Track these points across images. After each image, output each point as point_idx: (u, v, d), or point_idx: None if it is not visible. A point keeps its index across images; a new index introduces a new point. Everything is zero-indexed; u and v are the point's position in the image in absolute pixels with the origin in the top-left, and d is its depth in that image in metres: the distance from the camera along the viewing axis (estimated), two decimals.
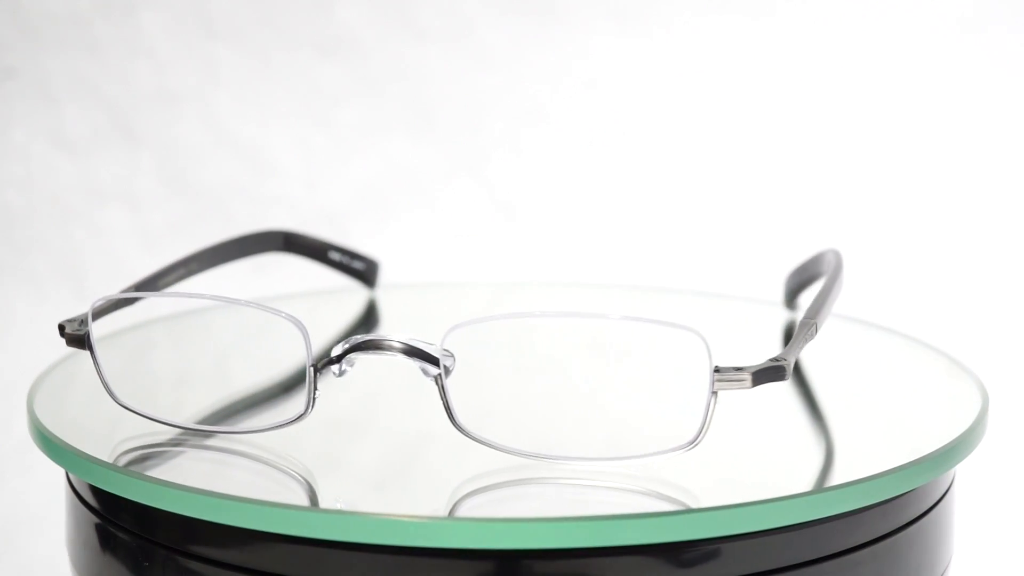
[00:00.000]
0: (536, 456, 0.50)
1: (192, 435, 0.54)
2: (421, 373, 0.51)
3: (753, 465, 0.52)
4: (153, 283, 0.64)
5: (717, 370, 0.49)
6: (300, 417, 0.52)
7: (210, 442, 0.54)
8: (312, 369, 0.51)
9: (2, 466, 1.10)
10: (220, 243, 0.72)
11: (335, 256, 0.77)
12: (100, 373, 0.55)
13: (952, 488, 0.54)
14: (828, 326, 0.67)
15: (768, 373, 0.50)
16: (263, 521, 0.46)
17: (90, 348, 0.56)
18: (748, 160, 1.11)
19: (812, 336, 0.54)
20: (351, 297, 0.78)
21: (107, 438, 0.55)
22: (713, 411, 0.49)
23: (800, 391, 0.61)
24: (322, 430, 0.56)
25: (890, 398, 0.59)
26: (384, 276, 0.78)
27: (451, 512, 0.47)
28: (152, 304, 0.63)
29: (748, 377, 0.49)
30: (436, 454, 0.54)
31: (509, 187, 1.13)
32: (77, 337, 0.56)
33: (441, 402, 0.50)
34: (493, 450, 0.50)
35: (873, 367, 0.64)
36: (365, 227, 1.11)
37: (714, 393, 0.49)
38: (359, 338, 0.51)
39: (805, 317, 0.55)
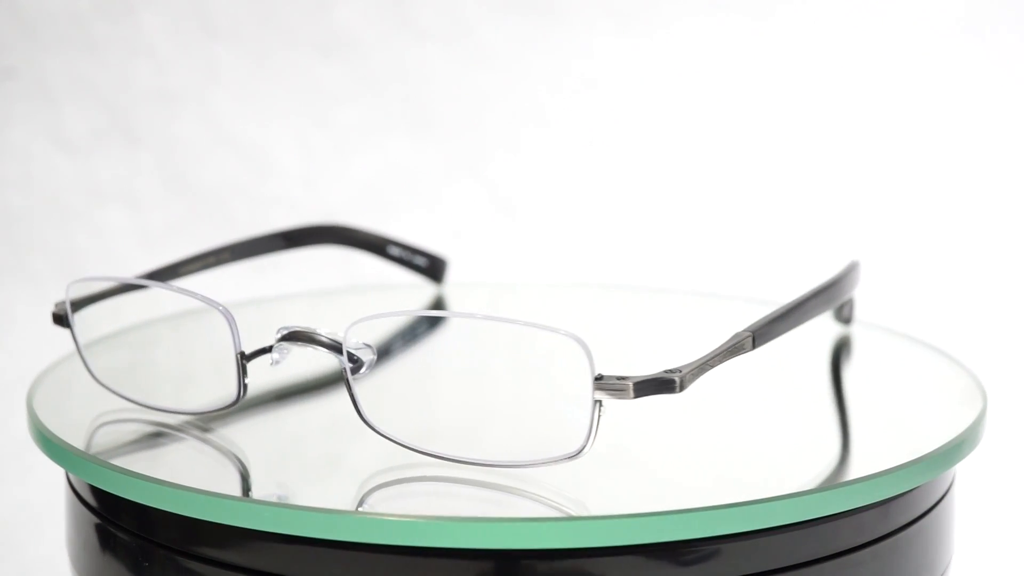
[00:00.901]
0: (434, 456, 0.50)
1: (187, 432, 0.54)
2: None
3: (753, 465, 0.52)
4: (175, 270, 0.65)
5: (600, 378, 0.48)
6: (231, 405, 0.53)
7: (209, 442, 0.54)
8: (239, 357, 0.52)
9: (2, 466, 1.10)
10: (265, 234, 0.72)
11: (394, 251, 0.76)
12: (79, 350, 0.57)
13: (952, 488, 0.54)
14: (828, 326, 0.67)
15: (653, 385, 0.48)
16: (263, 521, 0.46)
17: (69, 326, 0.57)
18: (748, 160, 1.11)
19: (744, 350, 0.51)
20: (395, 293, 0.78)
21: (107, 438, 0.55)
22: (598, 420, 0.48)
23: (800, 391, 0.61)
24: (323, 430, 0.56)
25: (890, 398, 0.59)
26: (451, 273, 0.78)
27: (359, 506, 0.47)
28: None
29: (630, 387, 0.48)
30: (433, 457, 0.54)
31: (509, 187, 1.13)
32: (58, 316, 0.58)
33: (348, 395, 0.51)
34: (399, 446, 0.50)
35: (873, 367, 0.64)
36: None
37: (597, 402, 0.48)
38: (286, 328, 0.52)
39: (745, 329, 0.52)
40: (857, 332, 0.68)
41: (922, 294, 1.07)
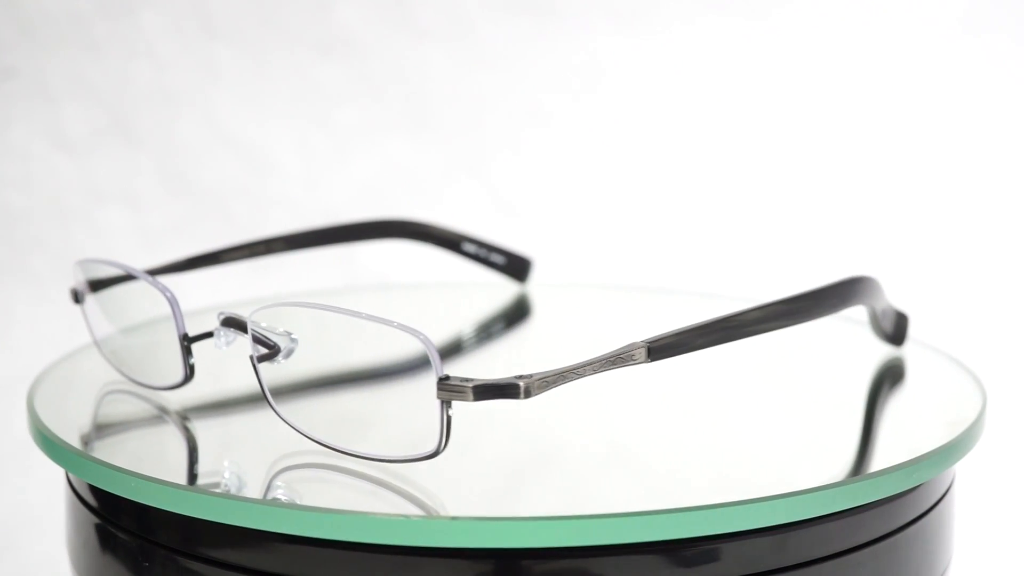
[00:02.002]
0: (322, 444, 0.51)
1: (187, 432, 0.55)
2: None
3: (753, 464, 0.52)
4: (216, 257, 0.68)
5: (445, 378, 0.47)
6: (179, 384, 0.56)
7: (209, 442, 0.54)
8: (182, 339, 0.55)
9: (2, 466, 1.10)
10: (332, 225, 0.73)
11: (470, 248, 0.76)
12: (89, 329, 0.60)
13: (952, 488, 0.54)
14: (828, 326, 0.67)
15: (496, 390, 0.48)
16: (263, 521, 0.46)
17: (80, 302, 0.62)
18: (748, 159, 1.11)
19: (635, 361, 0.49)
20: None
21: (107, 438, 0.55)
22: (447, 419, 0.48)
23: (800, 391, 0.61)
24: (321, 431, 0.56)
25: (890, 398, 0.59)
26: (535, 273, 0.78)
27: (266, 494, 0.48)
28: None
29: (469, 390, 0.47)
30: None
31: (509, 187, 1.13)
32: (73, 292, 0.63)
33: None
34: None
35: (873, 367, 0.64)
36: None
37: (445, 402, 0.48)
38: (224, 314, 0.54)
39: (644, 339, 0.50)
40: (857, 332, 0.68)
41: (922, 294, 1.07)
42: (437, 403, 0.48)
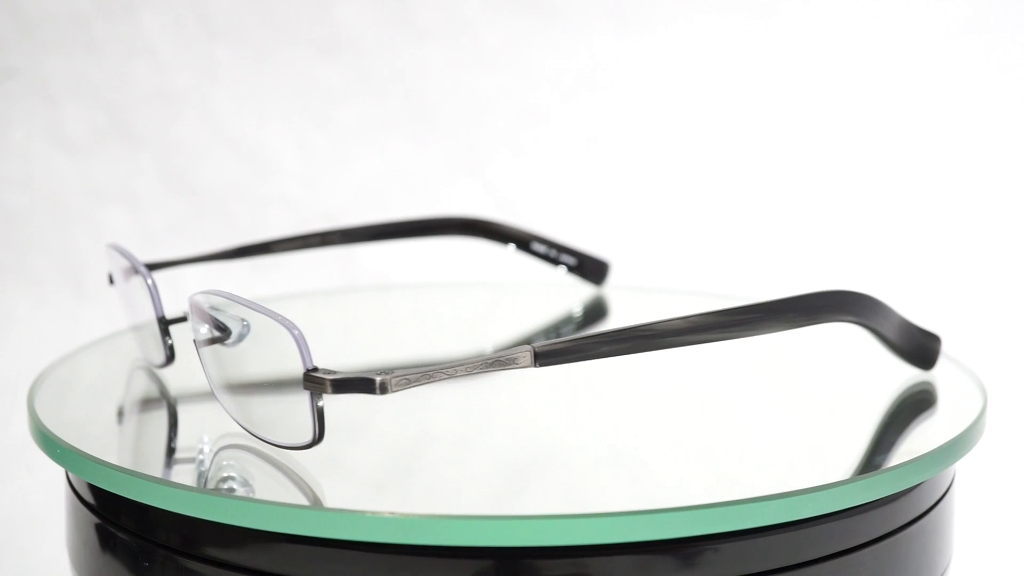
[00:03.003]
0: (234, 420, 0.52)
1: (187, 432, 0.55)
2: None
3: (752, 464, 0.52)
4: (268, 247, 0.69)
5: (314, 370, 0.48)
6: (162, 364, 0.59)
7: (209, 441, 0.54)
8: (160, 322, 0.57)
9: (2, 466, 1.10)
10: (398, 221, 0.73)
11: (539, 248, 0.75)
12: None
13: (952, 488, 0.54)
14: (828, 327, 0.67)
15: (354, 383, 0.48)
16: (263, 520, 0.46)
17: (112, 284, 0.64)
18: (748, 158, 1.11)
19: (518, 364, 0.49)
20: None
21: (107, 438, 0.55)
22: (318, 410, 0.48)
23: (800, 390, 0.61)
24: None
25: (890, 398, 0.59)
26: (612, 275, 0.77)
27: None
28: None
29: (327, 383, 0.48)
30: (435, 455, 0.54)
31: (509, 186, 1.13)
32: (109, 275, 0.64)
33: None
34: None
35: (873, 367, 0.64)
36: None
37: (313, 393, 0.48)
38: (193, 296, 0.54)
39: (527, 345, 0.49)
40: (856, 332, 0.68)
41: (922, 294, 1.07)
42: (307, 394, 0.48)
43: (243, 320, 0.50)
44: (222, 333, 0.51)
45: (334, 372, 0.48)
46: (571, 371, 0.62)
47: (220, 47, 1.14)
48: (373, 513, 0.45)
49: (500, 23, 1.11)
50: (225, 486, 0.50)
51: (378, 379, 0.47)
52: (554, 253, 0.75)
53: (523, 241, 0.75)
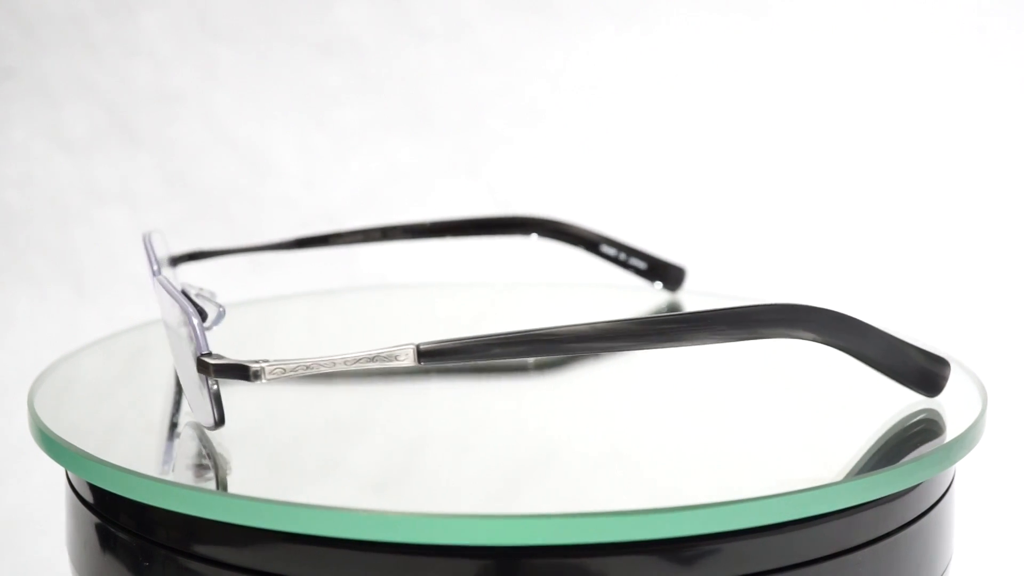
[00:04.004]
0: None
1: (187, 430, 0.55)
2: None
3: (752, 463, 0.52)
4: (326, 239, 0.70)
5: (207, 355, 0.49)
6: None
7: (209, 440, 0.54)
8: (153, 275, 0.57)
9: (2, 467, 1.10)
10: (464, 219, 0.72)
11: (608, 250, 0.74)
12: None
13: (952, 488, 0.54)
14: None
15: (232, 370, 0.49)
16: (263, 519, 0.46)
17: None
18: (748, 157, 1.11)
19: (398, 361, 0.49)
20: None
21: (107, 437, 0.55)
22: (213, 393, 0.50)
23: (800, 390, 0.61)
24: (323, 431, 0.56)
25: (890, 397, 0.58)
26: (685, 280, 0.74)
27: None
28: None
29: (210, 367, 0.49)
30: (434, 455, 0.54)
31: (509, 186, 1.13)
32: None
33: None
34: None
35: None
36: (364, 226, 1.11)
37: (205, 377, 0.50)
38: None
39: (411, 343, 0.49)
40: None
41: (922, 294, 1.07)
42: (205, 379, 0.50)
43: (179, 306, 0.51)
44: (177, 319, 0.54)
45: (222, 357, 0.49)
46: (571, 371, 0.62)
47: (220, 47, 1.14)
48: (373, 512, 0.45)
49: (500, 23, 1.11)
50: (197, 463, 0.51)
51: (253, 367, 0.48)
52: (623, 256, 0.74)
53: (592, 243, 0.74)
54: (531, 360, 0.63)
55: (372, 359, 0.48)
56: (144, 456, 0.53)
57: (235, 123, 1.14)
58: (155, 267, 0.59)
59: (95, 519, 0.52)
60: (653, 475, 0.51)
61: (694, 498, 0.46)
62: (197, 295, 0.59)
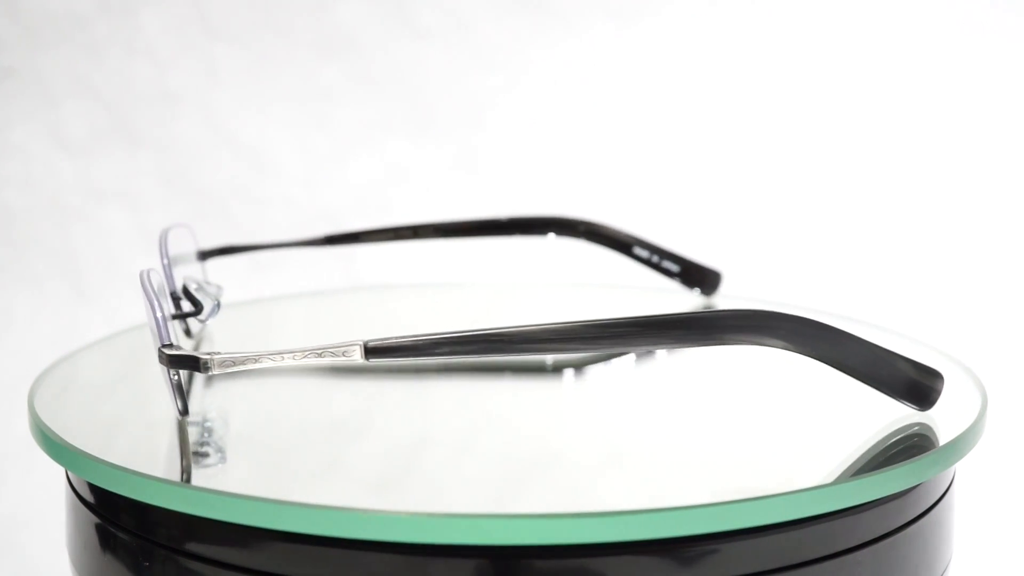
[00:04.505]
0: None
1: (187, 430, 0.55)
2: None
3: (752, 463, 0.52)
4: (356, 236, 0.71)
5: (165, 346, 0.51)
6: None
7: (209, 439, 0.54)
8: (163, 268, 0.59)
9: (3, 467, 1.10)
10: (497, 218, 0.72)
11: (642, 252, 0.73)
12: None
13: (952, 488, 0.54)
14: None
15: (185, 361, 0.51)
16: (263, 518, 0.46)
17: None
18: (748, 157, 1.11)
19: (349, 357, 0.49)
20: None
21: (107, 436, 0.55)
22: (173, 383, 0.52)
23: (800, 390, 0.61)
24: (323, 431, 0.56)
25: (890, 397, 0.58)
26: (722, 286, 0.73)
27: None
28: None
29: (166, 358, 0.51)
30: (434, 455, 0.54)
31: (509, 185, 1.13)
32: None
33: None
34: None
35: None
36: (364, 225, 1.11)
37: (167, 368, 0.51)
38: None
39: (359, 340, 0.50)
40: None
41: (922, 294, 1.07)
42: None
43: (146, 298, 0.53)
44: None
45: (180, 349, 0.51)
46: (570, 371, 0.62)
47: (220, 47, 1.14)
48: (373, 511, 0.45)
49: (500, 22, 1.11)
50: (201, 450, 0.52)
51: (203, 358, 0.50)
52: (656, 258, 0.72)
53: (625, 245, 0.73)
54: (548, 360, 0.63)
55: (320, 355, 0.49)
56: (144, 455, 0.53)
57: (235, 123, 1.14)
58: (165, 261, 0.59)
59: (95, 519, 0.52)
60: (653, 475, 0.51)
61: (694, 498, 0.46)
62: (196, 289, 0.59)
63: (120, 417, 0.57)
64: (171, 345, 0.51)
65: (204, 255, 0.68)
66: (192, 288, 0.61)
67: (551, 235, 0.74)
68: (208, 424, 0.55)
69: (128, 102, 1.14)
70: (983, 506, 1.00)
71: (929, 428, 0.54)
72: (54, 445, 0.52)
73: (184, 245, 0.65)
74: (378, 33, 1.13)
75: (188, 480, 0.50)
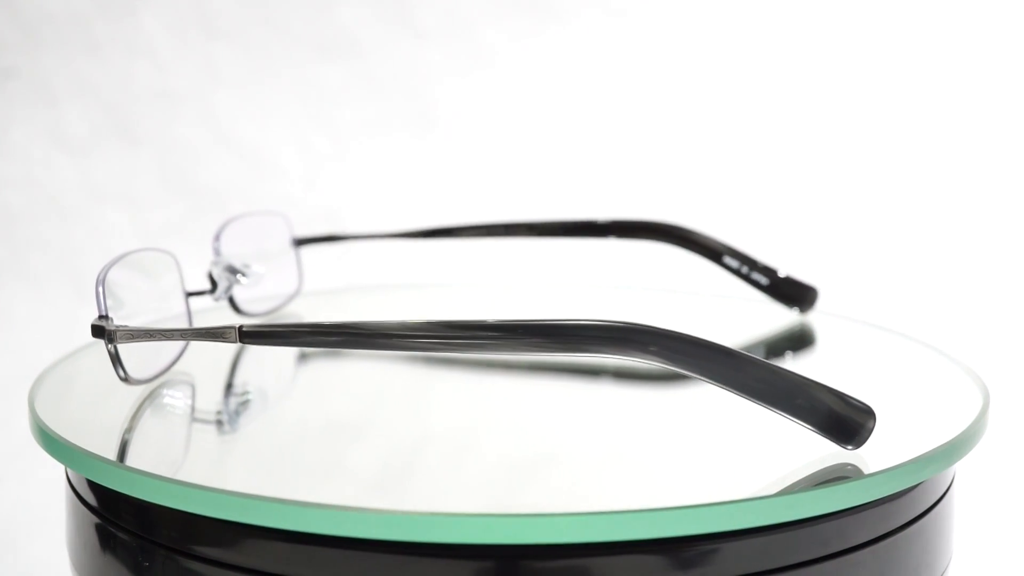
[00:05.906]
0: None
1: (187, 429, 0.55)
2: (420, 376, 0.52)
3: (753, 464, 0.52)
4: (452, 232, 0.74)
5: (100, 317, 0.55)
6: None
7: (209, 439, 0.54)
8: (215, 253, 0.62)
9: (3, 467, 1.10)
10: (590, 220, 0.72)
11: (731, 262, 0.70)
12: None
13: (952, 488, 0.54)
14: (828, 325, 0.67)
15: (98, 331, 0.54)
16: (263, 517, 0.46)
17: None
18: (747, 157, 1.11)
19: (225, 339, 0.53)
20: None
21: (107, 436, 0.55)
22: (111, 353, 0.55)
23: None
24: (323, 431, 0.56)
25: (890, 397, 0.59)
26: (819, 301, 0.70)
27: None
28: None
29: (92, 327, 0.55)
30: (435, 455, 0.54)
31: (508, 185, 1.13)
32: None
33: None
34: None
35: (873, 367, 0.64)
36: (364, 226, 1.11)
37: (92, 335, 0.55)
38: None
39: (234, 325, 0.53)
40: (858, 332, 0.68)
41: (922, 294, 1.07)
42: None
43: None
44: None
45: (105, 320, 0.55)
46: (570, 371, 0.62)
47: (220, 47, 1.14)
48: (373, 511, 0.45)
49: (500, 21, 1.11)
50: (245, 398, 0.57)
51: (108, 328, 0.54)
52: (745, 269, 0.70)
53: (715, 253, 0.71)
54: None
55: (202, 334, 0.53)
56: (144, 455, 0.53)
57: (235, 123, 1.14)
58: (217, 244, 0.65)
59: (95, 519, 0.52)
60: (653, 475, 0.51)
61: (694, 498, 0.46)
62: (225, 271, 0.64)
63: (120, 416, 0.57)
64: (105, 317, 0.55)
65: (300, 242, 0.72)
66: (219, 271, 0.64)
67: (644, 240, 0.73)
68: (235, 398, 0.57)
69: (128, 102, 1.14)
70: (983, 506, 1.00)
71: (929, 428, 0.54)
72: (54, 443, 0.52)
73: (283, 233, 0.71)
74: (378, 33, 1.13)
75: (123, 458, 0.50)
